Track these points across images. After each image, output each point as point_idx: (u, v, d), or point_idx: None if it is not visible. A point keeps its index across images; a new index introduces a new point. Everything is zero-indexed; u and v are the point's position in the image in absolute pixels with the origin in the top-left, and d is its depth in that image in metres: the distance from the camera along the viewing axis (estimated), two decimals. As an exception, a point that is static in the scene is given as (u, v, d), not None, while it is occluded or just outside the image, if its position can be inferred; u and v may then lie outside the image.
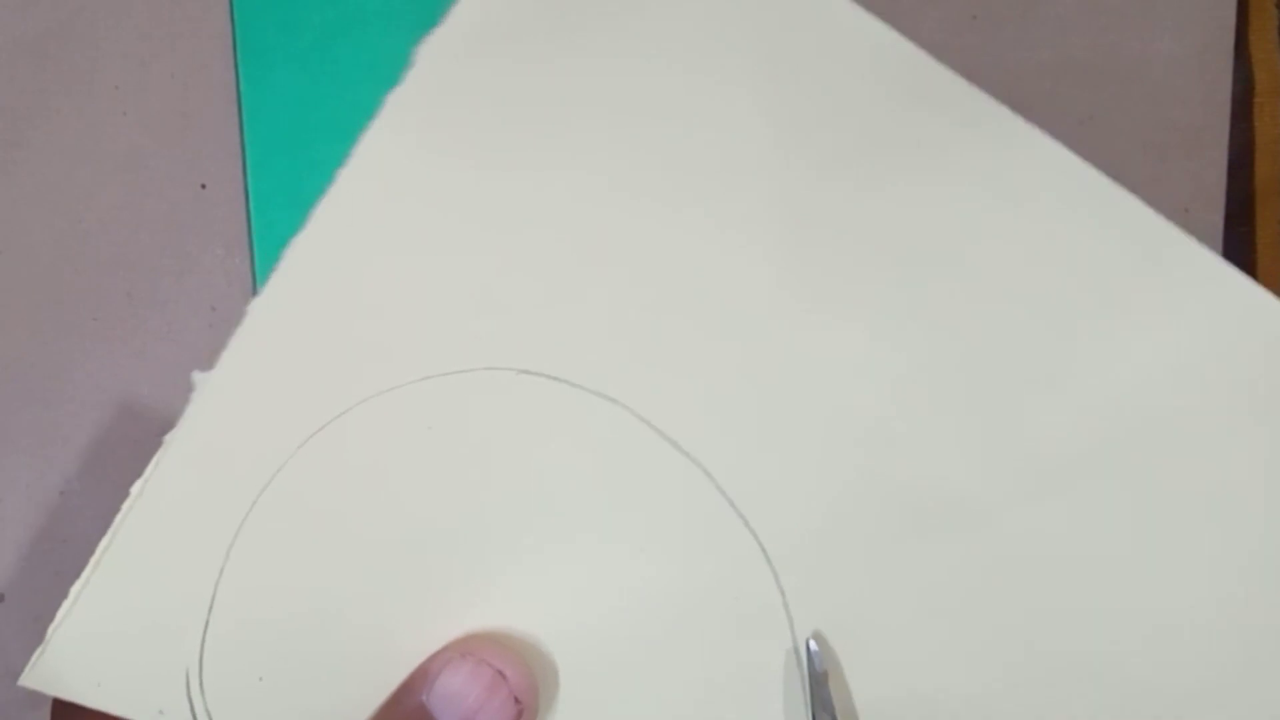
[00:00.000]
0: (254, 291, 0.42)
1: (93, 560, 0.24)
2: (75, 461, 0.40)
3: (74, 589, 0.24)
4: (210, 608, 0.24)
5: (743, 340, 0.24)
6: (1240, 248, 0.44)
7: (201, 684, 0.24)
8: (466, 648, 0.25)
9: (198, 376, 0.24)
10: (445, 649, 0.25)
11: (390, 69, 0.43)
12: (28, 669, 0.24)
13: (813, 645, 0.25)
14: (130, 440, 0.41)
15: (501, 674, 0.24)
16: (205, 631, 0.24)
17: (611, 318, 0.25)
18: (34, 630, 0.39)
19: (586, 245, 0.25)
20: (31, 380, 0.41)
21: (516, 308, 0.25)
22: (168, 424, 0.41)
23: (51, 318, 0.41)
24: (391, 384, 0.25)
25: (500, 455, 0.25)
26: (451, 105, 0.25)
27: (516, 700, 0.25)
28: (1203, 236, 0.45)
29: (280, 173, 0.42)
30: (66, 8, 0.42)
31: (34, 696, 0.39)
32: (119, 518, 0.24)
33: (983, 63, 0.44)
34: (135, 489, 0.24)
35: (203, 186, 0.42)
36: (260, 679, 0.25)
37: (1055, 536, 0.25)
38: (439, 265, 0.25)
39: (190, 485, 0.24)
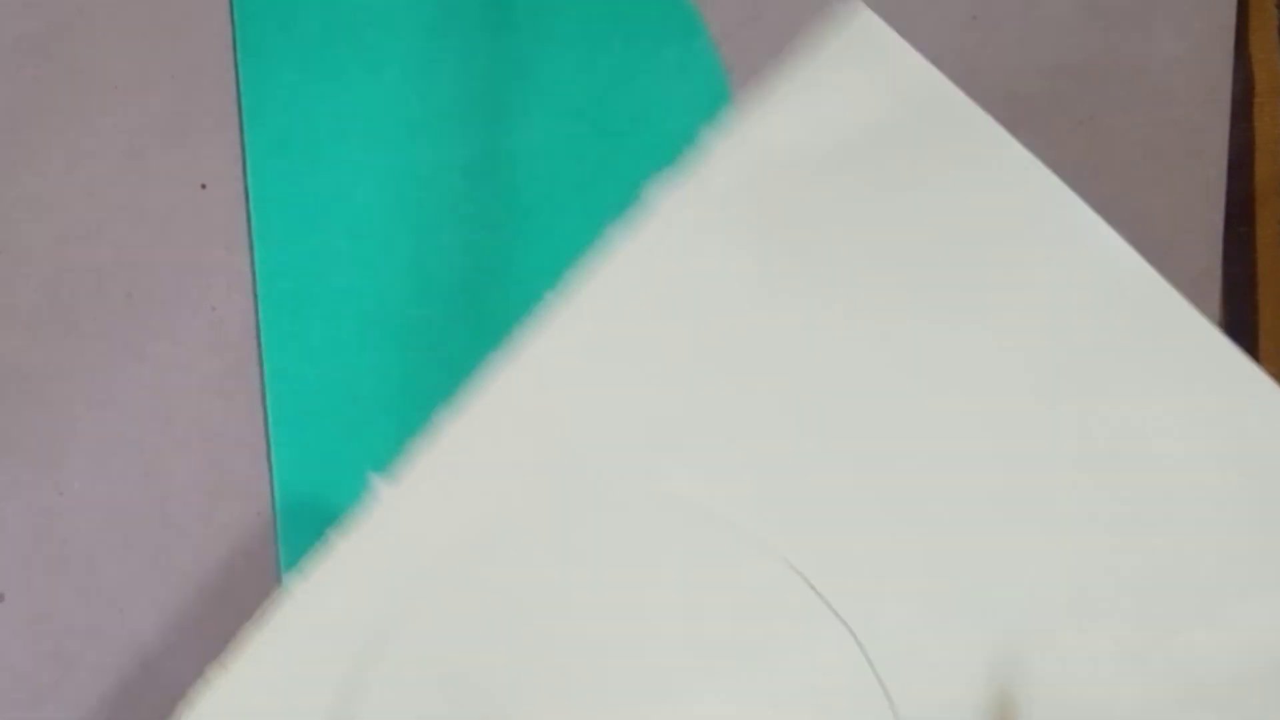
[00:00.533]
0: (254, 291, 0.42)
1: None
2: (75, 461, 0.40)
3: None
4: None
5: (930, 528, 0.24)
6: (1240, 248, 0.44)
7: None
8: None
9: (376, 480, 0.24)
10: None
11: (390, 69, 0.43)
12: None
13: None
14: (130, 440, 0.41)
15: None
16: None
17: (802, 467, 0.25)
18: (34, 630, 0.40)
19: (800, 398, 0.25)
20: (31, 380, 0.41)
21: (696, 443, 0.25)
22: (167, 424, 0.41)
23: (51, 318, 0.41)
24: (556, 508, 0.25)
25: (649, 592, 0.25)
26: (684, 251, 0.25)
27: None
28: (1202, 236, 0.45)
29: (280, 173, 0.42)
30: (66, 8, 0.42)
31: (34, 696, 0.39)
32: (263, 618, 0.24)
33: (983, 63, 0.44)
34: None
35: (203, 186, 0.42)
36: None
37: None
38: (633, 397, 0.25)
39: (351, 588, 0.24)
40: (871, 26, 0.25)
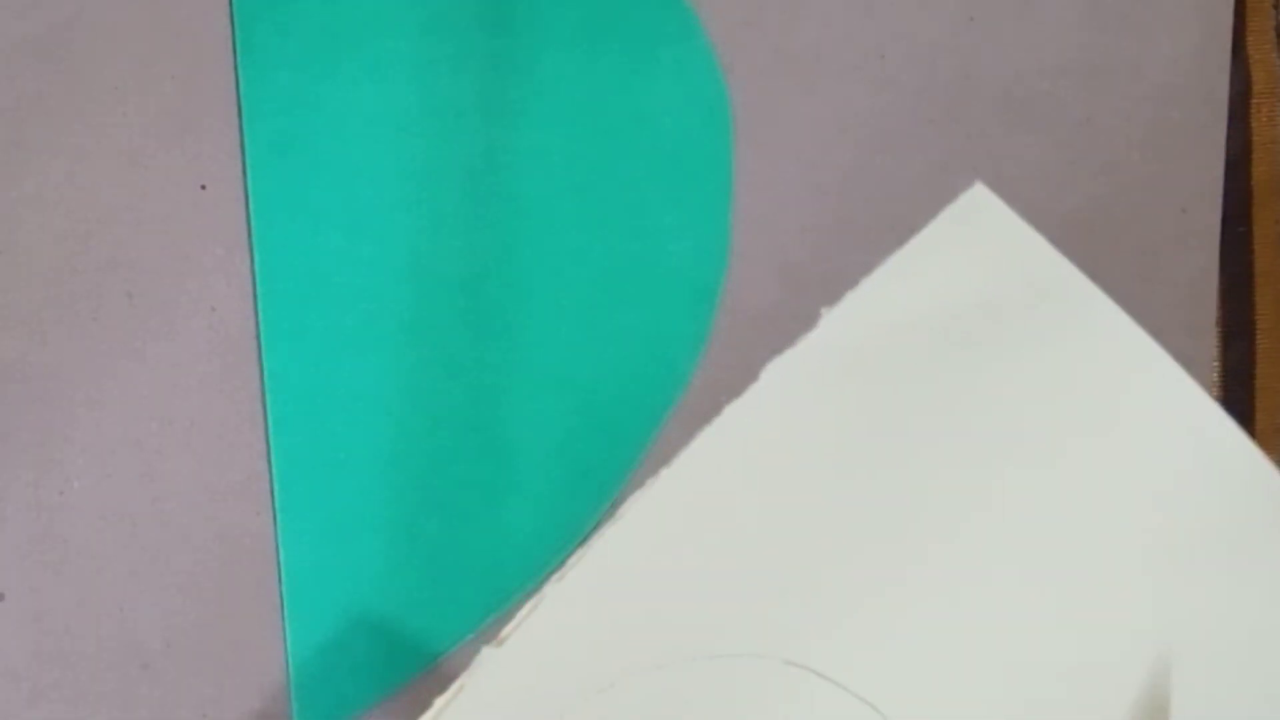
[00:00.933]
0: (254, 291, 0.42)
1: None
2: (75, 461, 0.40)
3: None
4: None
5: (1010, 690, 0.24)
6: (1238, 248, 0.44)
7: None
8: None
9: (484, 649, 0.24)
10: None
11: (390, 69, 0.43)
12: None
13: None
14: (130, 440, 0.41)
15: None
16: None
17: (900, 627, 0.25)
18: (34, 630, 0.40)
19: (893, 553, 0.25)
20: (31, 380, 0.41)
21: (799, 595, 0.25)
22: (167, 424, 0.41)
23: (51, 318, 0.41)
24: (661, 659, 0.25)
25: None
26: (791, 415, 0.25)
27: None
28: (1200, 237, 0.45)
29: (280, 173, 0.42)
30: (66, 8, 0.42)
31: (34, 696, 0.39)
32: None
33: (982, 63, 0.44)
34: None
35: (203, 187, 0.42)
36: None
37: None
38: (746, 547, 0.25)
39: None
40: (993, 209, 0.26)
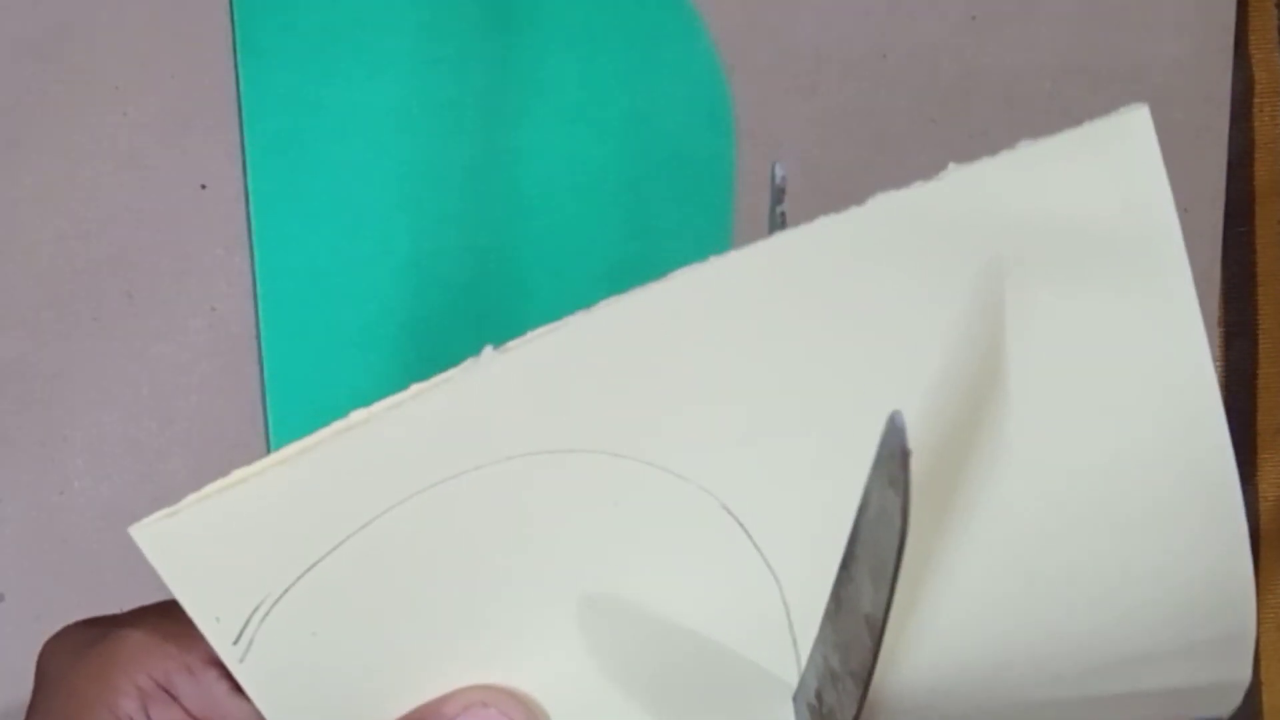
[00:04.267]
0: (254, 291, 0.42)
1: (260, 464, 0.24)
2: (75, 461, 0.40)
3: (226, 481, 0.24)
4: (311, 568, 0.25)
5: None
6: (1239, 247, 0.44)
7: (266, 615, 0.25)
8: (486, 698, 0.25)
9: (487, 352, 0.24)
10: (462, 692, 0.25)
11: (390, 69, 0.43)
12: (145, 522, 0.24)
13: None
14: (130, 440, 0.41)
15: None
16: (297, 581, 0.25)
17: (738, 420, 0.25)
18: (34, 630, 0.39)
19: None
20: (31, 380, 0.41)
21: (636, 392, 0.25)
22: (168, 424, 0.41)
23: (51, 318, 0.41)
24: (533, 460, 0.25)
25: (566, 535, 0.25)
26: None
27: None
28: (1202, 236, 0.45)
29: (280, 173, 0.42)
30: (66, 8, 0.42)
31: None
32: (319, 437, 0.24)
33: (983, 63, 0.44)
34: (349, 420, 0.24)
35: (203, 186, 0.42)
36: (313, 634, 0.25)
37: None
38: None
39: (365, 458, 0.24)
40: (1144, 133, 0.26)
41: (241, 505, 0.25)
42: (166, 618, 0.27)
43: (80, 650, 0.28)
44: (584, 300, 0.43)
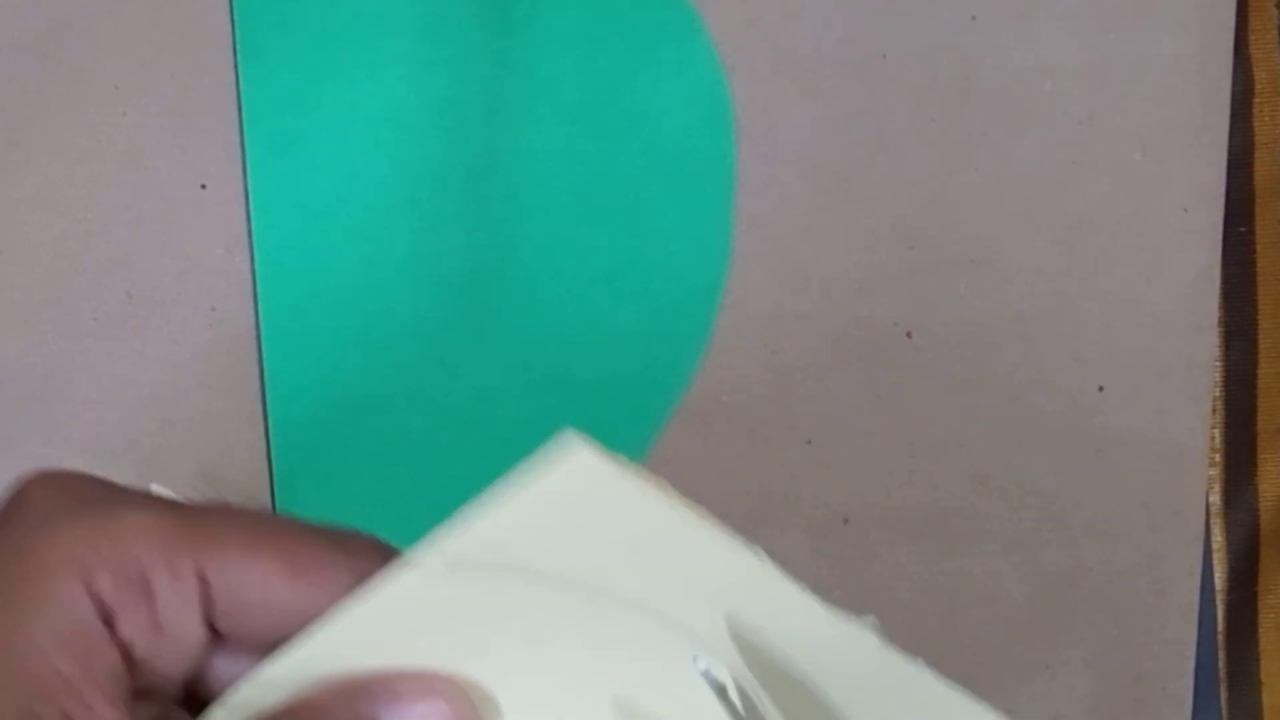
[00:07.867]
0: (254, 291, 0.42)
1: None
2: (75, 461, 0.40)
3: None
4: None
5: None
6: (1239, 248, 0.44)
7: None
8: (432, 687, 0.25)
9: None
10: (414, 678, 0.25)
11: (390, 69, 0.43)
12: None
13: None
14: (130, 440, 0.41)
15: None
16: None
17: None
18: (34, 630, 0.39)
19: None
20: (31, 380, 0.41)
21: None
22: (168, 424, 0.41)
23: (51, 318, 0.41)
24: None
25: None
26: None
27: None
28: (1202, 236, 0.45)
29: (280, 173, 0.42)
30: (66, 8, 0.42)
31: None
32: None
33: (983, 63, 0.44)
34: None
35: (203, 186, 0.42)
36: None
37: None
38: None
39: None
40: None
41: None
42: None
43: (76, 508, 0.25)
44: (584, 299, 0.43)
